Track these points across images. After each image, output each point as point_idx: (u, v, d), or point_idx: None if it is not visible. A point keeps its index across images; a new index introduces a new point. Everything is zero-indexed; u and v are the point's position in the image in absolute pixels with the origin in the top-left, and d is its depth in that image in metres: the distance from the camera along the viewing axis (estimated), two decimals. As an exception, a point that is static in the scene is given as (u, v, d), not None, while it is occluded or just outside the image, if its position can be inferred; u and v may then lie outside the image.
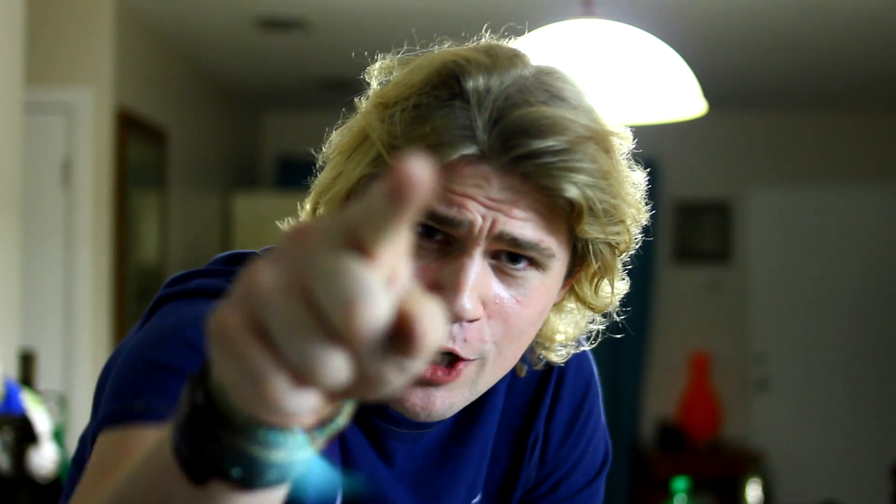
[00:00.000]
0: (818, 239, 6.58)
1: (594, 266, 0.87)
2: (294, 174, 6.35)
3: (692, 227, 6.60)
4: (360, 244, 0.42)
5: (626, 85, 2.18)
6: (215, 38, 4.96)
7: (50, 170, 4.12)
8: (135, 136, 4.44)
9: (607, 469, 1.08)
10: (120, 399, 0.77)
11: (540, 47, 2.13)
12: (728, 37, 4.76)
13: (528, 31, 2.18)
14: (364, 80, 0.89)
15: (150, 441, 0.73)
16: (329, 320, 0.41)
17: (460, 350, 0.82)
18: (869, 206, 6.56)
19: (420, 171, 0.41)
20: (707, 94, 2.43)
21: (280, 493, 0.51)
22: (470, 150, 0.78)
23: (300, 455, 0.48)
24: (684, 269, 6.60)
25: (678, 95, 2.26)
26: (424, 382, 0.82)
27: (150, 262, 4.74)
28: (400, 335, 0.42)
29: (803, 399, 6.54)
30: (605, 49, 2.19)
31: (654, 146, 5.81)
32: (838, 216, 6.58)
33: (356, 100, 0.89)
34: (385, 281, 0.42)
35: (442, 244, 0.81)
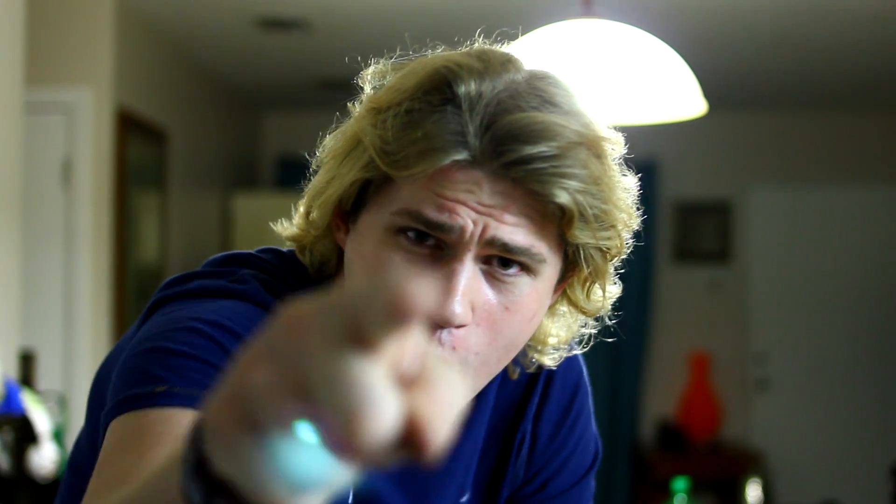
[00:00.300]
0: (818, 239, 6.57)
1: (585, 271, 0.87)
2: (294, 174, 6.32)
3: (692, 227, 6.59)
4: (361, 336, 0.38)
5: (626, 85, 2.18)
6: (215, 38, 4.96)
7: (50, 170, 4.12)
8: (135, 136, 4.44)
9: (596, 468, 1.08)
10: (136, 385, 0.76)
11: (539, 47, 2.13)
12: (728, 37, 4.76)
13: (529, 31, 2.17)
14: (358, 84, 0.89)
15: (174, 420, 0.71)
16: (330, 431, 0.39)
17: (448, 357, 0.82)
18: (869, 205, 6.56)
19: (423, 297, 0.38)
20: (707, 94, 2.43)
21: None
22: (461, 155, 0.78)
23: None
24: (684, 269, 6.60)
25: (678, 95, 2.26)
26: None
27: (150, 262, 4.74)
28: (408, 439, 0.39)
29: (803, 399, 6.53)
30: (605, 49, 2.19)
31: (654, 146, 5.79)
32: (838, 216, 6.57)
33: (349, 104, 0.89)
34: (390, 372, 0.39)
35: (433, 249, 0.82)
